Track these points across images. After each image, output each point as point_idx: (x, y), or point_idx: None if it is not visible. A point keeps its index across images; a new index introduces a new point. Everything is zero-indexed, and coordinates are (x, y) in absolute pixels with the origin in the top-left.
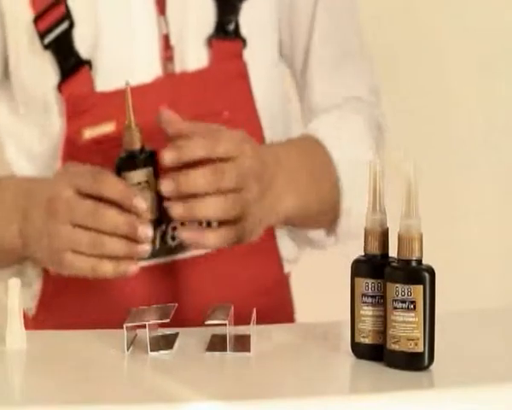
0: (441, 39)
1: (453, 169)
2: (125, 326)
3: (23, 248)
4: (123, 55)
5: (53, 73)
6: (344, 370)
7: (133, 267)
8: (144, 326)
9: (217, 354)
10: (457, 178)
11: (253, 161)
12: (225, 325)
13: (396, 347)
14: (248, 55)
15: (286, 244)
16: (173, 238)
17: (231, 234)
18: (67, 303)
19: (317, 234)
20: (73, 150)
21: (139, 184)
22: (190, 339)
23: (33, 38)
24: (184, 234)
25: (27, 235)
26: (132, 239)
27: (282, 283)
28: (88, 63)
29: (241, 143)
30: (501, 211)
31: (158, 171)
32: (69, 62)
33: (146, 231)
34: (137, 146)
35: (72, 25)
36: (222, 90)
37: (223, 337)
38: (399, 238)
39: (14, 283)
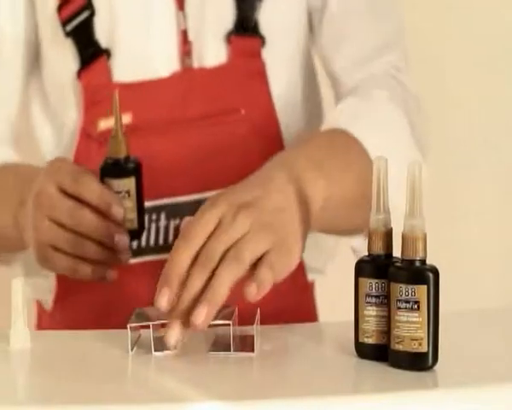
0: (441, 39)
1: (453, 169)
2: (128, 326)
3: (19, 238)
4: (140, 47)
5: (73, 61)
6: (347, 370)
7: (110, 274)
8: (148, 326)
9: (220, 354)
10: (457, 178)
11: (229, 208)
12: (229, 325)
13: (400, 347)
14: (267, 53)
15: (311, 252)
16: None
17: (265, 273)
18: (82, 297)
19: (360, 241)
20: (88, 142)
21: (120, 192)
22: (194, 339)
23: (56, 26)
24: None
25: (20, 223)
26: (110, 246)
27: (299, 288)
28: (106, 52)
29: (207, 213)
30: (501, 211)
31: (141, 182)
32: (89, 51)
33: (122, 240)
34: (123, 155)
35: (92, 14)
36: (239, 87)
37: (226, 337)
38: (403, 238)
39: (18, 281)
